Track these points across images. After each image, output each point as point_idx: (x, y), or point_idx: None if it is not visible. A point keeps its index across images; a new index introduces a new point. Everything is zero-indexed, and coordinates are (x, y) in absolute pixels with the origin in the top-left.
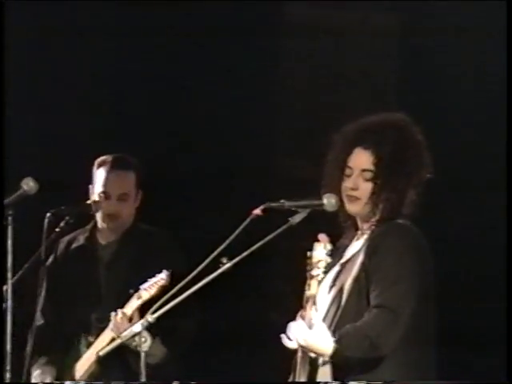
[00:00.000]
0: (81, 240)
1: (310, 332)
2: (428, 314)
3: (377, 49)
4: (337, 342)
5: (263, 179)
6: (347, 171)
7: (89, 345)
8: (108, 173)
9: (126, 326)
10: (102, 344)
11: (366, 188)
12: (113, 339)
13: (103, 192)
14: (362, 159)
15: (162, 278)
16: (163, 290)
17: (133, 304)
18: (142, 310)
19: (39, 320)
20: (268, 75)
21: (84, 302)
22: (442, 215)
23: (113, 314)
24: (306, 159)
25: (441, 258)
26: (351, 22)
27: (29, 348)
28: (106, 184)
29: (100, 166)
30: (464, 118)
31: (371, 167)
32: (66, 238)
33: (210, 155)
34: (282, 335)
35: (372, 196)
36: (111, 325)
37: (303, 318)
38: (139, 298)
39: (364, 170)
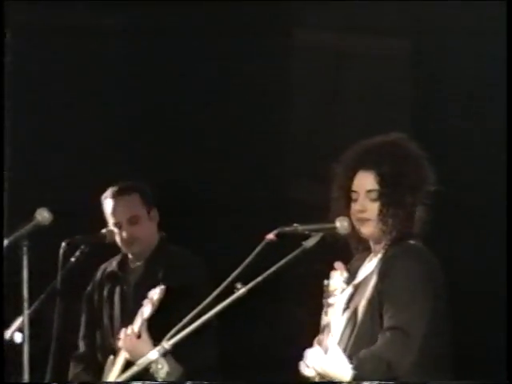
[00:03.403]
0: (113, 265)
1: (327, 359)
2: (442, 335)
3: (390, 72)
4: (355, 368)
5: (276, 204)
6: (353, 195)
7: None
8: (112, 204)
9: (135, 342)
10: (119, 364)
11: (373, 208)
12: (127, 361)
13: (114, 223)
14: (365, 181)
15: (156, 292)
16: (162, 305)
17: (138, 322)
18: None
19: (81, 348)
20: (279, 98)
21: (113, 324)
22: (452, 233)
23: (122, 331)
24: (319, 183)
25: (451, 276)
26: (364, 45)
27: (70, 375)
28: (114, 215)
29: (105, 199)
30: (474, 132)
31: (375, 187)
32: (103, 265)
33: (222, 180)
34: (301, 362)
35: (380, 214)
36: (121, 342)
37: (320, 343)
38: (142, 315)
39: (369, 191)
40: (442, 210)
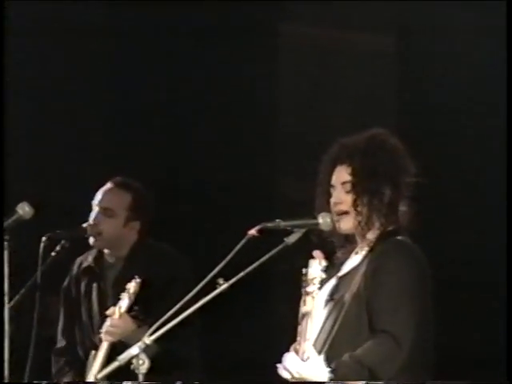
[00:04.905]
0: (89, 260)
1: (304, 365)
2: (429, 339)
3: (376, 67)
4: (332, 372)
5: (259, 200)
6: (331, 190)
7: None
8: (106, 188)
9: (116, 321)
10: (102, 352)
11: (348, 200)
12: (110, 346)
13: (95, 205)
14: (340, 174)
15: (132, 285)
16: (142, 300)
17: (116, 315)
18: None
19: (61, 342)
20: (267, 94)
21: (92, 320)
22: (440, 229)
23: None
24: (303, 179)
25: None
26: (351, 42)
27: (53, 369)
28: (98, 197)
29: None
30: (464, 126)
31: (348, 178)
32: (79, 259)
33: (205, 176)
34: (278, 365)
35: (354, 205)
36: (104, 329)
37: (296, 351)
38: (120, 308)
39: (344, 183)
40: (438, 207)
